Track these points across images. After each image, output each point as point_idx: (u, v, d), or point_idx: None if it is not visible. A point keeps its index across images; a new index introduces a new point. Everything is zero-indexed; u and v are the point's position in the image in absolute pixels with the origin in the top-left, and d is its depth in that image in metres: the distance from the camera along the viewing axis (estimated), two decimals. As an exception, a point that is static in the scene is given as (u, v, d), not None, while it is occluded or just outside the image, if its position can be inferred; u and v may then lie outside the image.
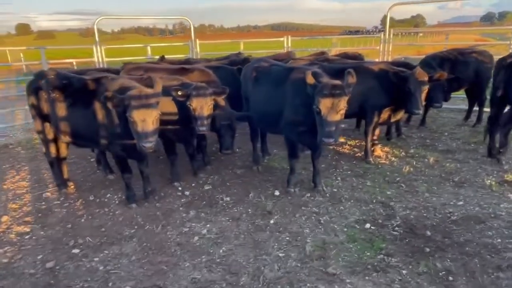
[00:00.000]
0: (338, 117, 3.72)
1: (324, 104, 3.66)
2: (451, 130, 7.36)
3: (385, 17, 9.74)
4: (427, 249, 3.34)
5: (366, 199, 4.44)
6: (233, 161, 5.98)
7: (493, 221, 3.76)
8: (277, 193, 4.70)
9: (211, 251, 3.52)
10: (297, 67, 4.58)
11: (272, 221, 4.01)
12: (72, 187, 5.10)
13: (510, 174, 4.91)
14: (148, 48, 9.85)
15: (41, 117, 4.57)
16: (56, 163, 4.92)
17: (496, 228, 3.63)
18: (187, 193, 4.82)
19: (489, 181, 4.75)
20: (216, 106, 5.07)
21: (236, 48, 10.32)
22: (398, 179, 5.03)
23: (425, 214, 4.00)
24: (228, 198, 4.60)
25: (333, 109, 3.67)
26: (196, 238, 3.75)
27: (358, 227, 3.83)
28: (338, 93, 3.68)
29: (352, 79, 3.81)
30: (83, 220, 4.24)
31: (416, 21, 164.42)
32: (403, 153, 6.06)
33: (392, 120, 5.83)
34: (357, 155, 6.07)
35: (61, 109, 4.26)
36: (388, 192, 4.62)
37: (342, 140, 6.85)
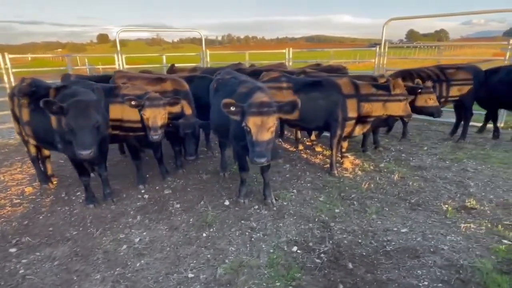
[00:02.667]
0: (268, 135, 3.07)
1: (252, 123, 3.02)
2: (432, 145, 6.33)
3: (383, 30, 8.69)
4: (341, 286, 2.63)
5: (310, 217, 3.74)
6: (206, 165, 5.45)
7: (430, 257, 2.94)
8: (227, 202, 4.11)
9: (129, 263, 3.03)
10: (245, 80, 3.94)
11: (205, 234, 3.45)
12: (55, 183, 4.84)
13: (473, 199, 3.97)
14: (164, 57, 9.54)
15: (16, 120, 4.32)
16: (36, 160, 4.66)
17: (429, 267, 2.82)
18: (146, 196, 4.36)
19: (447, 205, 3.86)
20: (181, 114, 4.60)
21: (242, 58, 9.72)
22: (353, 195, 4.25)
23: (360, 240, 3.25)
24: (178, 205, 4.08)
25: (263, 127, 3.03)
26: (124, 246, 3.28)
27: (285, 249, 3.17)
28: (267, 111, 3.02)
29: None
30: (41, 217, 3.91)
31: (439, 36, 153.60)
32: (372, 166, 5.22)
33: (357, 133, 5.02)
34: (326, 166, 5.31)
35: (25, 114, 3.96)
36: (337, 210, 3.88)
37: (319, 149, 6.11)
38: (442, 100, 6.15)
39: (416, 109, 5.51)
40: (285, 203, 4.08)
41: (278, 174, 5.03)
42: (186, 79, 5.56)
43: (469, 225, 3.43)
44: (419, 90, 5.31)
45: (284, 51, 9.57)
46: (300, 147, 6.25)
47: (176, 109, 4.37)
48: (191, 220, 3.74)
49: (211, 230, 3.52)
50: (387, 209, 3.88)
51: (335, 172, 4.91)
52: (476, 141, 6.47)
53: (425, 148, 6.14)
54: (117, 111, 4.14)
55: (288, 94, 4.90)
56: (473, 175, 4.78)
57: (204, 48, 9.63)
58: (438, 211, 3.78)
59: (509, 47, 7.04)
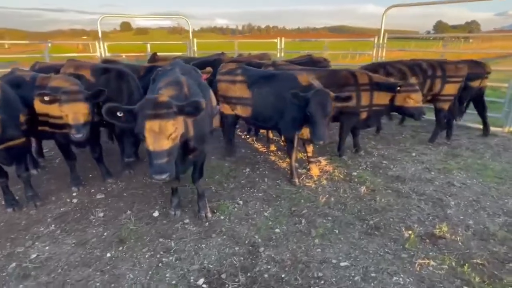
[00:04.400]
0: (168, 143, 2.47)
1: (146, 128, 2.42)
2: (423, 150, 5.53)
3: (382, 19, 7.77)
4: None
5: (241, 237, 3.16)
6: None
7: (360, 307, 2.31)
8: (156, 214, 3.58)
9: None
10: (171, 72, 3.32)
11: (108, 255, 2.93)
12: None
13: (446, 225, 3.25)
14: (148, 45, 9.00)
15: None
16: None
17: (353, 323, 2.19)
18: (74, 201, 3.90)
19: (410, 232, 3.16)
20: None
21: (231, 47, 9.07)
22: (305, 211, 3.61)
23: (284, 275, 2.63)
24: (102, 214, 3.60)
25: (160, 135, 2.42)
26: (13, 264, 2.82)
27: (191, 280, 2.61)
28: (162, 113, 2.41)
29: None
30: (-48, 221, 3.54)
31: (470, 27, 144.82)
32: (342, 175, 4.53)
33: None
34: (309, 172, 4.65)
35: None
36: (277, 230, 3.27)
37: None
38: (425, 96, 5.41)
39: (394, 109, 4.75)
40: (222, 217, 3.50)
41: (233, 179, 4.45)
42: (145, 70, 5.03)
43: (428, 261, 2.73)
44: (398, 88, 4.55)
45: (275, 40, 8.83)
46: (272, 147, 5.61)
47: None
48: (105, 234, 3.24)
49: (121, 248, 3.01)
50: (337, 231, 3.23)
51: (296, 180, 4.26)
52: (476, 147, 5.60)
53: (414, 154, 5.35)
54: (40, 104, 3.66)
55: (242, 88, 4.28)
56: (457, 192, 4.01)
57: (191, 37, 9.04)
58: (398, 238, 3.09)
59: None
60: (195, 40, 9.07)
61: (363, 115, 4.88)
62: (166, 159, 2.42)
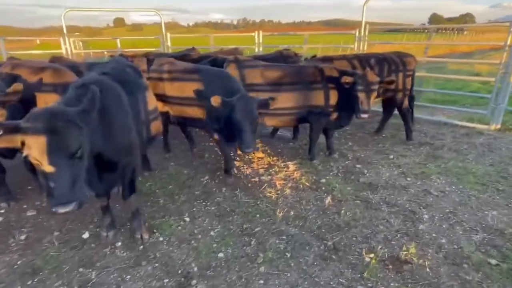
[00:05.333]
0: (71, 164, 1.96)
1: (32, 146, 1.90)
2: (403, 151, 5.09)
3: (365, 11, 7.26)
4: None
5: (176, 265, 2.70)
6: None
7: None
8: (86, 235, 3.11)
9: None
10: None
11: (12, 291, 2.48)
12: None
13: (414, 246, 2.80)
14: (118, 41, 8.45)
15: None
16: None
17: None
18: (0, 219, 3.43)
19: (372, 255, 2.72)
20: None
21: (206, 42, 8.54)
22: (257, 229, 3.16)
23: (211, 319, 2.19)
24: (23, 237, 3.11)
25: (51, 154, 1.91)
26: None
27: (100, 326, 2.16)
28: (52, 126, 1.89)
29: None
30: None
31: (464, 19, 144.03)
32: (309, 182, 4.08)
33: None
34: (254, 179, 4.21)
35: None
36: (220, 255, 2.81)
37: (259, 155, 4.98)
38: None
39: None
40: (160, 239, 3.04)
41: (188, 189, 3.99)
42: (87, 68, 4.52)
43: (386, 297, 2.30)
44: (346, 85, 4.11)
45: (253, 34, 8.31)
46: (239, 151, 5.13)
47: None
48: (19, 262, 2.77)
49: (30, 282, 2.54)
50: (288, 255, 2.78)
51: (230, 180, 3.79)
52: (460, 148, 5.16)
53: (391, 156, 4.90)
54: None
55: (167, 84, 3.89)
56: (433, 202, 3.57)
57: (164, 32, 8.49)
58: (357, 263, 2.65)
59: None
60: (168, 34, 8.52)
61: (334, 115, 4.42)
62: (64, 183, 1.92)
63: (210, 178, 4.28)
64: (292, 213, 3.42)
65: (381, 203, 3.57)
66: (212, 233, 3.12)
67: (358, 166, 4.58)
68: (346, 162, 4.71)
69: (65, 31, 7.86)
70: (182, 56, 6.01)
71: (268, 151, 5.20)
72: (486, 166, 4.41)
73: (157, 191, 3.94)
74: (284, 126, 4.81)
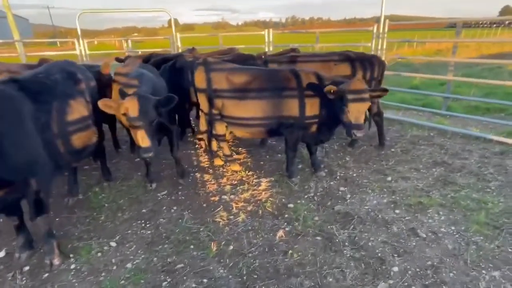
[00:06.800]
0: None
1: None
2: (408, 171, 4.21)
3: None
4: None
5: (65, 304, 2.32)
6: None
7: None
8: (2, 254, 2.88)
9: None
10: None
11: None
12: None
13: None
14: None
15: None
16: None
17: None
18: None
19: (295, 322, 2.07)
20: None
21: (216, 42, 8.17)
22: (180, 266, 2.66)
23: None
24: None
25: None
26: None
27: None
28: None
29: None
30: None
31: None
32: (274, 206, 3.47)
33: None
34: (213, 197, 3.71)
35: None
36: (120, 296, 2.38)
37: (235, 168, 4.45)
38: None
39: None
40: (72, 267, 2.69)
41: (137, 205, 3.61)
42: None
43: None
44: (330, 94, 3.34)
45: (263, 33, 7.74)
46: (217, 161, 4.65)
47: None
48: None
49: None
50: (195, 308, 2.25)
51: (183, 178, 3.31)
52: (484, 171, 4.13)
53: (389, 178, 4.06)
54: None
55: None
56: (415, 248, 2.75)
57: (174, 32, 8.30)
58: (270, 333, 2.03)
59: None
60: (178, 35, 8.31)
61: (311, 128, 3.73)
62: None
63: (168, 194, 3.87)
64: (231, 247, 2.86)
65: (346, 243, 2.84)
66: (129, 265, 2.70)
67: (342, 189, 3.84)
68: (331, 183, 3.99)
69: (79, 33, 8.02)
70: (176, 57, 5.69)
71: (249, 163, 4.65)
72: (509, 202, 3.39)
73: (105, 205, 3.63)
74: (254, 137, 4.22)
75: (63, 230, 3.20)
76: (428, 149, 4.99)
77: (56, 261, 2.70)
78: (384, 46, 6.34)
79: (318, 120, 3.66)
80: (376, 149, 5.02)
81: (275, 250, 2.81)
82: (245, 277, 2.50)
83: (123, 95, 3.20)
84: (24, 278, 2.58)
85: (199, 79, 3.91)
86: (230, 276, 2.52)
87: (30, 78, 2.75)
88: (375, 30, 6.33)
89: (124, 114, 3.08)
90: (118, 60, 5.79)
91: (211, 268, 2.62)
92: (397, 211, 3.33)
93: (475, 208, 3.30)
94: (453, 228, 3.00)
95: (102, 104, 3.07)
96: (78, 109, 2.96)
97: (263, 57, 4.87)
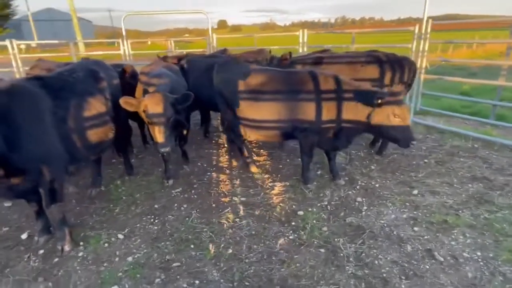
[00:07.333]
0: None
1: None
2: (438, 186, 3.85)
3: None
4: None
5: (65, 290, 2.46)
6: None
7: None
8: (25, 236, 3.13)
9: None
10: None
11: None
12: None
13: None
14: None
15: None
16: None
17: None
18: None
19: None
20: None
21: (250, 42, 8.19)
22: (176, 264, 2.68)
23: None
24: (-19, 227, 3.34)
25: None
26: None
27: None
28: None
29: None
30: None
31: None
32: (283, 212, 3.37)
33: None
34: (242, 204, 3.70)
35: None
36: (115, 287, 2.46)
37: (254, 170, 4.41)
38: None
39: (371, 128, 3.33)
40: (80, 254, 2.84)
41: (151, 201, 3.73)
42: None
43: None
44: (378, 100, 3.12)
45: (297, 33, 7.60)
46: (234, 162, 4.66)
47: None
48: (-44, 253, 2.95)
49: None
50: (180, 309, 2.24)
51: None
52: (529, 191, 3.61)
53: (416, 191, 3.73)
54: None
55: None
56: (428, 271, 2.48)
57: (210, 32, 8.49)
58: None
59: None
60: (214, 36, 8.48)
61: (327, 133, 3.55)
62: None
63: (182, 191, 3.94)
64: (230, 250, 2.82)
65: (351, 259, 2.65)
66: (130, 258, 2.79)
67: (359, 199, 3.60)
68: (349, 192, 3.77)
69: (124, 33, 8.55)
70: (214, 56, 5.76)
71: (267, 166, 4.57)
72: (554, 228, 2.92)
73: (123, 198, 3.81)
74: (268, 140, 4.12)
75: (80, 218, 3.41)
76: (468, 161, 4.50)
77: (67, 247, 2.88)
78: (426, 48, 5.84)
79: (334, 126, 3.47)
80: (406, 158, 4.64)
81: (273, 258, 2.71)
82: (236, 283, 2.44)
83: (145, 93, 3.35)
84: (37, 260, 2.79)
85: (217, 80, 3.93)
86: (222, 281, 2.48)
87: (54, 76, 2.97)
88: (416, 31, 5.88)
89: (144, 111, 3.23)
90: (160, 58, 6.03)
91: (206, 270, 2.61)
92: (416, 228, 3.03)
93: (510, 233, 2.89)
94: (478, 253, 2.66)
95: (123, 101, 3.24)
96: (96, 106, 3.13)
97: (288, 57, 4.75)
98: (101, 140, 3.24)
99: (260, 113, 3.61)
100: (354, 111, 3.36)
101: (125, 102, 3.25)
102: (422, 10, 5.66)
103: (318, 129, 3.50)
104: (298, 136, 3.65)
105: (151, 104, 3.19)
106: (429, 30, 5.74)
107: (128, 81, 4.47)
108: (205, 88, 4.45)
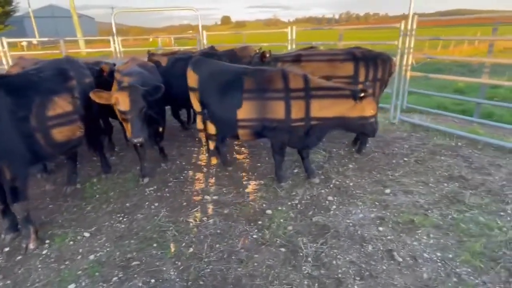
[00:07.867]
0: None
1: None
2: (413, 185, 3.82)
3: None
4: None
5: None
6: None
7: None
8: (-7, 233, 3.19)
9: None
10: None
11: None
12: None
13: None
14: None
15: None
16: None
17: None
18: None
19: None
20: None
21: (239, 39, 8.17)
22: (135, 263, 2.70)
23: None
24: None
25: None
26: None
27: None
28: None
29: None
30: None
31: None
32: (251, 211, 3.37)
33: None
34: (212, 203, 3.71)
35: None
36: (70, 286, 2.49)
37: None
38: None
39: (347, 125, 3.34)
40: (43, 252, 2.87)
41: (123, 199, 3.76)
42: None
43: None
44: (360, 94, 3.13)
45: (286, 30, 7.55)
46: (213, 160, 4.65)
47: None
48: None
49: None
50: (131, 307, 2.26)
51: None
52: (506, 191, 3.58)
53: (388, 190, 3.70)
54: None
55: None
56: (384, 272, 2.46)
57: (200, 29, 8.47)
58: None
59: None
60: (204, 33, 8.46)
61: (297, 132, 3.54)
62: None
63: (156, 189, 3.95)
64: (191, 249, 2.83)
65: (309, 259, 2.65)
66: (92, 256, 2.81)
67: (330, 198, 3.59)
68: (322, 191, 3.76)
69: (114, 31, 8.57)
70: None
71: (245, 164, 4.57)
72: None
73: (96, 196, 3.83)
74: (242, 139, 4.11)
75: (50, 216, 3.44)
76: (448, 160, 4.46)
77: (31, 246, 2.91)
78: (412, 45, 5.77)
79: (304, 124, 3.45)
80: (387, 157, 4.61)
81: (233, 257, 2.72)
82: (190, 282, 2.45)
83: (118, 87, 3.41)
84: (1, 258, 2.83)
85: (190, 78, 3.92)
86: (177, 280, 2.50)
87: (19, 75, 2.99)
88: (402, 28, 5.81)
89: (115, 104, 3.27)
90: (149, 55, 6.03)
91: (164, 269, 2.63)
92: (381, 228, 3.02)
93: (476, 234, 2.86)
94: (438, 254, 2.64)
95: (93, 95, 3.27)
96: (61, 105, 3.15)
97: (267, 55, 4.72)
98: (68, 138, 3.26)
99: (230, 112, 3.60)
100: (326, 109, 3.34)
101: (96, 95, 3.29)
102: (429, 5, 5.62)
103: (287, 128, 3.49)
104: (268, 135, 3.64)
105: (121, 96, 3.25)
106: (414, 26, 5.67)
107: (106, 79, 4.49)
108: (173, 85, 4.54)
